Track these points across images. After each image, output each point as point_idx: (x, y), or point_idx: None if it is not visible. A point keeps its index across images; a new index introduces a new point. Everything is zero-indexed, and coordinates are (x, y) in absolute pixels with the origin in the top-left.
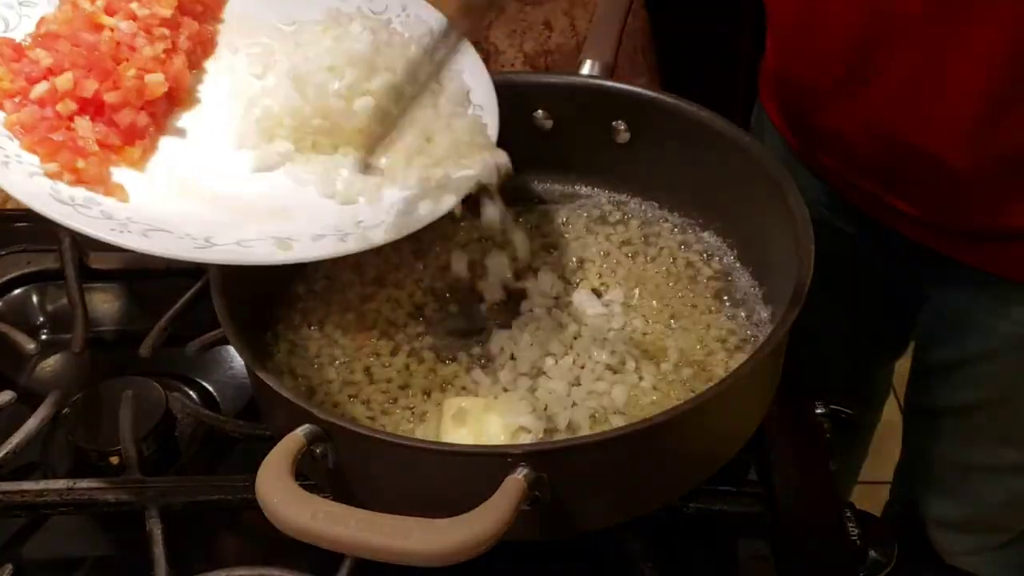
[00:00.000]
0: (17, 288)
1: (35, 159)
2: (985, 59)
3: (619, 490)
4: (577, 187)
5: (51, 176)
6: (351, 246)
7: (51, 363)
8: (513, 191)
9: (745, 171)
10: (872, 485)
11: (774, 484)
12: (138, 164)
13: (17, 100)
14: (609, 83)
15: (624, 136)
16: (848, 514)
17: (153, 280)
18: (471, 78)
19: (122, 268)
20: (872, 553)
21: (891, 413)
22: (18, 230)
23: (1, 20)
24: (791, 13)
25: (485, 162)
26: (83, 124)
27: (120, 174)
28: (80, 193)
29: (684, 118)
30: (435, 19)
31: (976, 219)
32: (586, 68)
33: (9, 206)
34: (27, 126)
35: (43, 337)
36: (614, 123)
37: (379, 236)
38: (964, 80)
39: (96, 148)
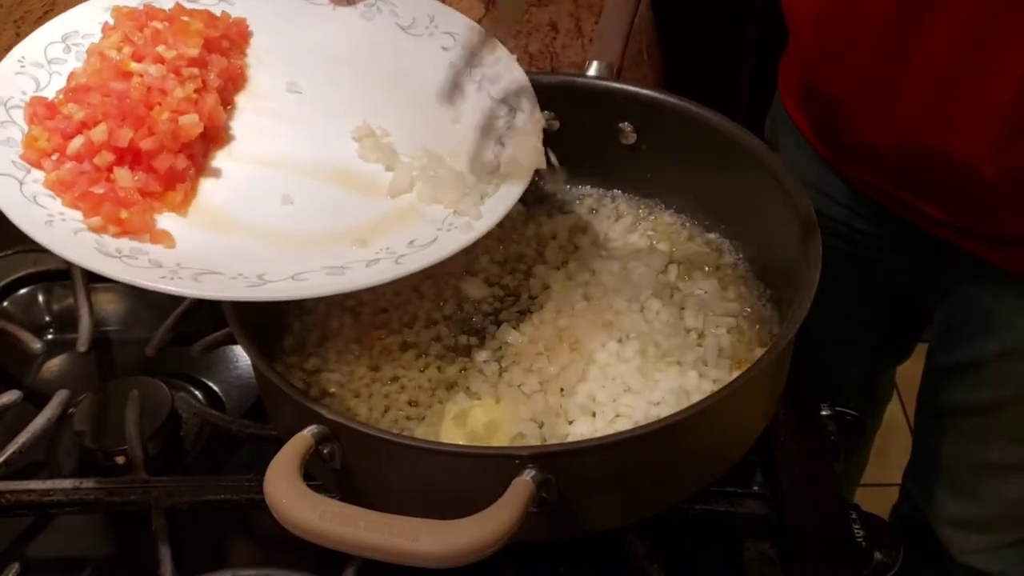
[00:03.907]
0: (23, 288)
1: (78, 215)
2: (1014, 68)
3: (626, 492)
4: (582, 188)
5: (95, 230)
6: (406, 268)
7: (57, 363)
8: None
9: (751, 173)
10: (876, 488)
11: (780, 486)
12: (181, 208)
13: (55, 158)
14: (615, 84)
15: (630, 137)
16: (853, 516)
17: None
18: (508, 81)
19: None
20: (877, 555)
21: (894, 415)
22: None
23: (32, 80)
24: (814, 26)
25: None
26: (123, 174)
27: (164, 220)
28: (126, 244)
29: (690, 119)
30: (464, 26)
31: (1005, 224)
32: (592, 69)
33: None
34: (67, 183)
35: (49, 337)
36: (620, 124)
37: (434, 254)
38: (993, 89)
39: (138, 197)
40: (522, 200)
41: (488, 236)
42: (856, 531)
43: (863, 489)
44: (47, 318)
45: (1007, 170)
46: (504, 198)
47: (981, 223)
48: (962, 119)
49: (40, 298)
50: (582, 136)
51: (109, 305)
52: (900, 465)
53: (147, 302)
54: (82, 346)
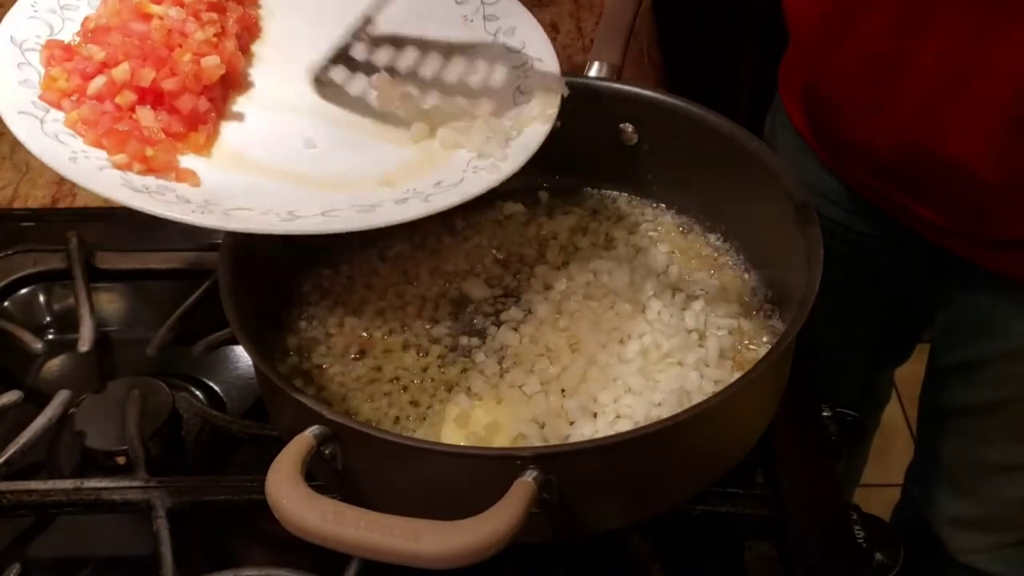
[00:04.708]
0: (24, 288)
1: (102, 154)
2: (1013, 70)
3: (627, 493)
4: (583, 188)
5: (120, 167)
6: (435, 206)
7: (58, 363)
8: (518, 192)
9: (752, 174)
10: (876, 488)
11: (781, 486)
12: (203, 149)
13: (74, 98)
14: (616, 85)
15: (631, 138)
16: (854, 516)
17: (160, 280)
18: (523, 31)
19: (129, 268)
20: (878, 556)
21: (894, 416)
22: (25, 230)
23: (46, 25)
24: (815, 26)
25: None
26: (145, 114)
27: (187, 161)
28: (152, 181)
29: (691, 120)
30: None
31: (1003, 228)
32: (593, 70)
33: (16, 205)
34: (89, 121)
35: (49, 337)
36: (621, 125)
37: (462, 193)
38: (992, 91)
39: (162, 136)
40: (522, 201)
41: (489, 236)
42: (857, 532)
43: (864, 489)
44: (48, 318)
45: (1007, 172)
46: (529, 140)
47: (980, 227)
48: (961, 121)
49: (41, 298)
50: (583, 137)
51: (110, 305)
52: (900, 466)
53: (148, 302)
54: (83, 346)
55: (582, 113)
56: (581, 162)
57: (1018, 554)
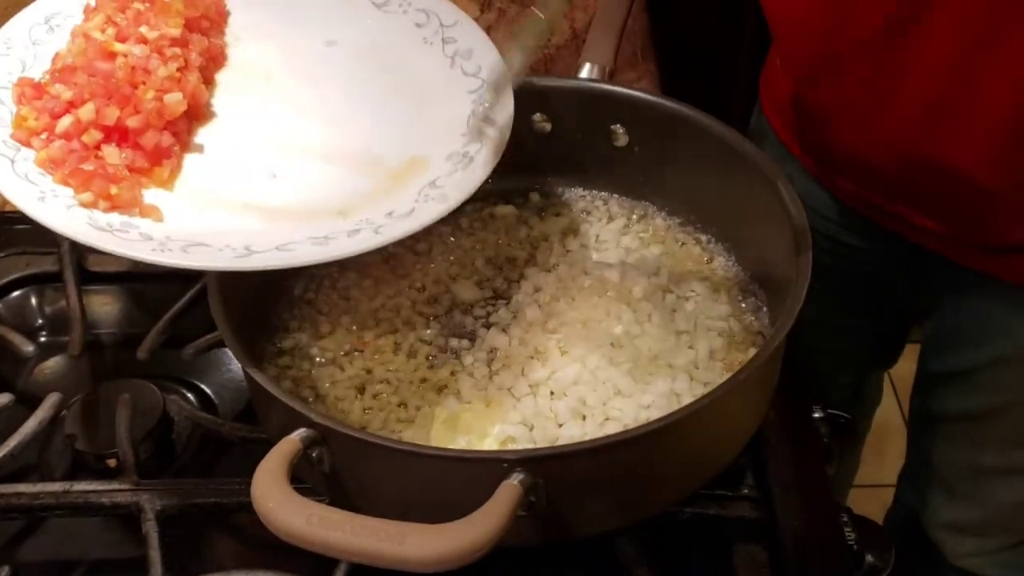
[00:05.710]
0: (16, 290)
1: (69, 191)
2: (1014, 74)
3: (615, 496)
4: (574, 190)
5: (86, 205)
6: (386, 237)
7: (49, 365)
8: (511, 193)
9: (744, 176)
10: (873, 488)
11: (771, 489)
12: (167, 183)
13: (44, 136)
14: (608, 86)
15: (622, 139)
16: (845, 519)
17: (151, 283)
18: (480, 54)
19: (120, 271)
20: (869, 557)
21: (891, 416)
22: (17, 232)
23: (19, 61)
24: (806, 41)
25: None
26: (110, 151)
27: (151, 195)
28: (116, 219)
29: (683, 122)
30: (441, 8)
31: (1003, 233)
32: (585, 71)
33: (8, 208)
34: (57, 160)
35: (41, 339)
36: (612, 127)
37: (412, 224)
38: (992, 97)
39: (126, 173)
40: (513, 203)
41: (480, 238)
42: (847, 534)
43: (860, 490)
44: (39, 321)
45: (1008, 179)
46: (477, 169)
47: (978, 233)
48: (960, 128)
49: (33, 300)
50: (574, 138)
51: (102, 308)
52: (897, 466)
53: (139, 304)
54: (74, 349)
55: (573, 114)
56: (572, 163)
57: (1015, 557)
